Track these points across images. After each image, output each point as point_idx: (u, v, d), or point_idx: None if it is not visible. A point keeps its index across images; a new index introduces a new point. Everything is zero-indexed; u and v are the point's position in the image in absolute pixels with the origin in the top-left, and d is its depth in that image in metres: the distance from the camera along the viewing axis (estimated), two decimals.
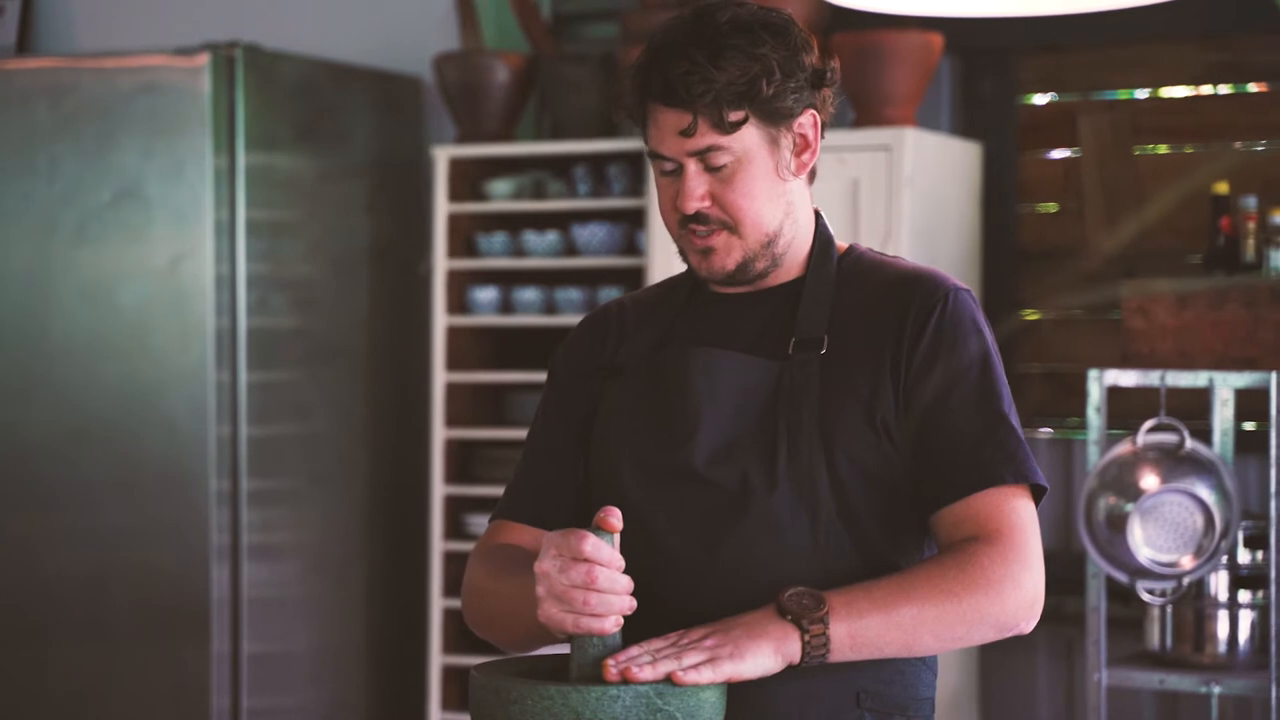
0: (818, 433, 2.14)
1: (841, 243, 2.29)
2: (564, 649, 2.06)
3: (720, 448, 2.17)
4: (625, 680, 1.95)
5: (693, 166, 2.16)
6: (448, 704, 5.13)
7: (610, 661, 1.97)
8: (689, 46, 2.13)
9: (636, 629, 2.04)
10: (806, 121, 2.19)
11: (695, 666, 1.97)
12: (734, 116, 2.13)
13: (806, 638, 2.02)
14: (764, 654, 2.00)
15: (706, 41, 2.13)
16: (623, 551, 2.01)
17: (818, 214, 2.29)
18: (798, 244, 2.24)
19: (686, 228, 2.20)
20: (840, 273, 2.25)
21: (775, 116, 2.16)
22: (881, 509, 2.16)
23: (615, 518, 1.99)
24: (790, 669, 2.04)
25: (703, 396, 2.19)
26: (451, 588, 5.13)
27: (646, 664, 1.97)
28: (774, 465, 2.14)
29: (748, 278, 2.22)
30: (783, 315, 2.23)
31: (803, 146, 2.20)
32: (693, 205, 2.17)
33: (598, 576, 1.96)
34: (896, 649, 2.08)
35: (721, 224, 2.18)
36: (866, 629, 2.04)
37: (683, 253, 2.25)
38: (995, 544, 2.10)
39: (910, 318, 2.18)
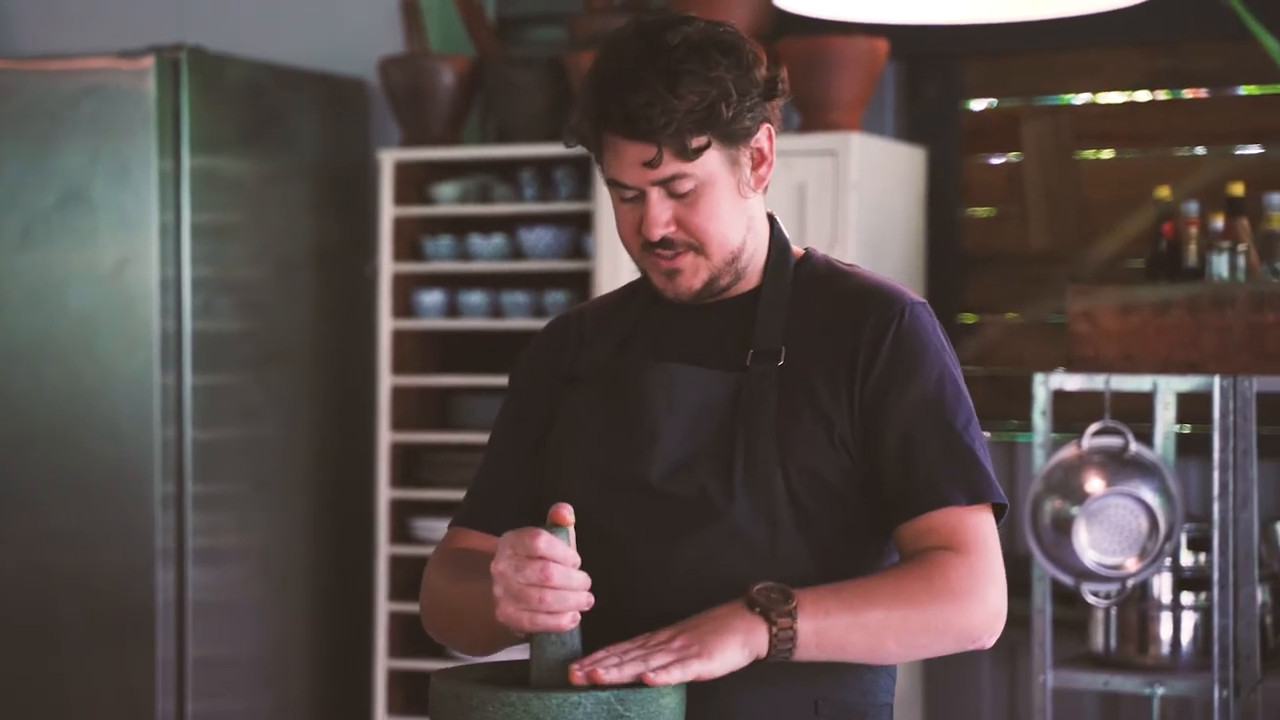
0: (775, 445, 2.15)
1: (798, 248, 2.29)
2: (525, 655, 2.07)
3: (677, 462, 2.17)
4: (591, 682, 1.95)
5: (655, 194, 2.15)
6: (394, 708, 5.12)
7: (576, 665, 1.97)
8: (644, 74, 2.10)
9: (595, 638, 2.05)
10: (762, 136, 2.19)
11: (664, 667, 1.97)
12: (696, 143, 2.12)
13: (774, 630, 2.01)
14: (732, 649, 2.00)
15: (661, 68, 2.10)
16: (582, 558, 2.01)
17: (772, 219, 2.29)
18: (757, 254, 2.25)
19: (650, 251, 2.19)
20: (798, 281, 2.25)
21: (735, 137, 2.15)
22: (839, 520, 2.17)
23: (567, 512, 1.99)
24: (751, 673, 2.04)
25: (660, 411, 2.19)
26: (398, 591, 5.13)
27: (613, 666, 1.97)
28: (731, 477, 2.15)
29: (713, 294, 2.22)
30: (740, 325, 2.23)
31: (759, 160, 2.20)
32: (659, 232, 2.16)
33: (553, 573, 1.96)
34: (860, 652, 2.08)
35: (687, 246, 2.18)
36: (833, 628, 2.04)
37: (645, 273, 2.24)
38: (962, 557, 2.10)
39: (867, 332, 2.18)
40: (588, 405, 2.25)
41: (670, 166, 2.13)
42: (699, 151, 2.12)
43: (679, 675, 1.97)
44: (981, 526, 2.13)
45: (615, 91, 2.12)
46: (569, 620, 1.98)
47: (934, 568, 2.09)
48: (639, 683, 1.99)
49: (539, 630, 1.99)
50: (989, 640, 2.13)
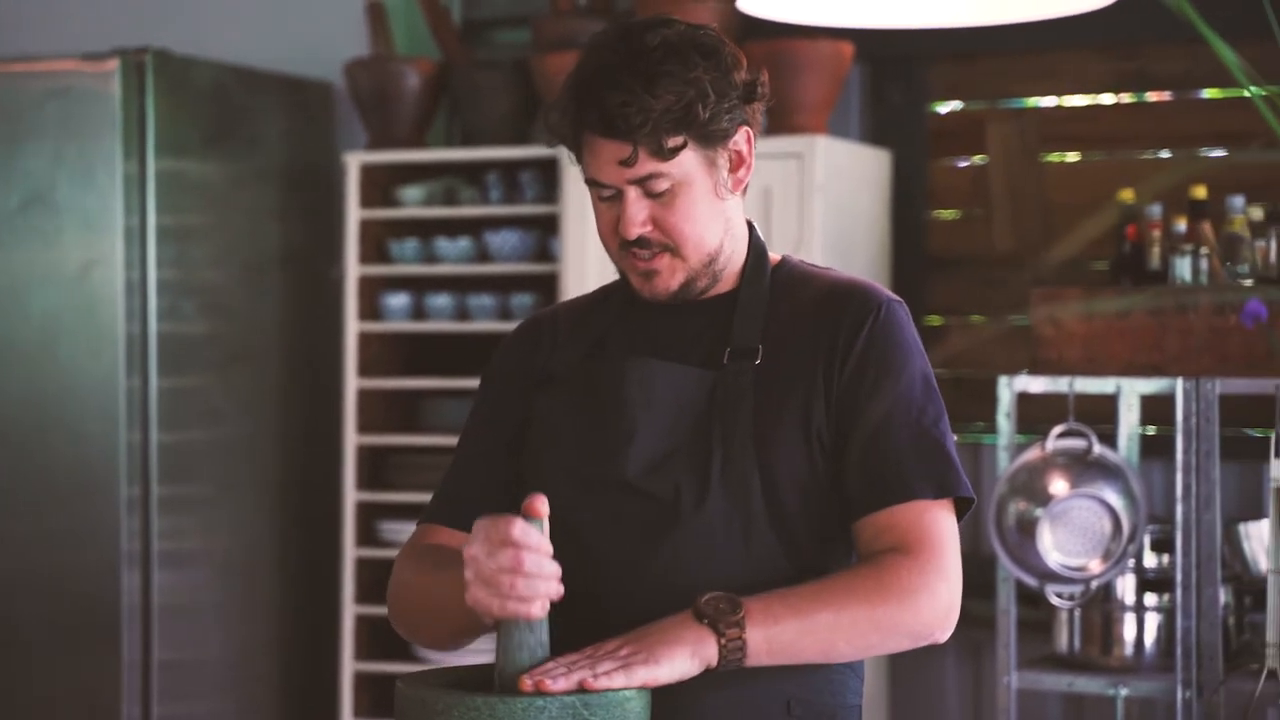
0: (751, 443, 2.17)
1: (775, 254, 2.31)
2: (491, 659, 2.07)
3: (654, 459, 2.19)
4: (540, 692, 1.97)
5: (633, 193, 2.17)
6: (360, 710, 5.12)
7: (526, 676, 1.98)
8: (622, 75, 2.12)
9: (570, 637, 2.06)
10: (741, 138, 2.21)
11: (608, 673, 1.99)
12: (673, 143, 2.14)
13: (723, 641, 2.04)
14: (680, 658, 2.02)
15: (640, 69, 2.12)
16: (556, 559, 2.02)
17: (751, 226, 2.31)
18: (735, 257, 2.27)
19: (628, 251, 2.20)
20: (774, 284, 2.27)
21: (712, 138, 2.17)
22: (813, 518, 2.19)
23: (541, 503, 2.00)
24: (720, 676, 2.06)
25: (637, 407, 2.20)
26: (364, 594, 5.12)
27: (561, 675, 1.98)
28: (707, 475, 2.16)
29: (690, 296, 2.24)
30: (717, 326, 2.25)
31: (738, 163, 2.22)
32: (635, 231, 2.18)
33: (525, 560, 1.97)
34: (812, 655, 2.10)
35: (664, 247, 2.19)
36: (782, 634, 2.07)
37: (623, 274, 2.26)
38: (913, 555, 2.13)
39: (843, 329, 2.20)
40: (563, 405, 2.26)
41: (646, 166, 2.15)
42: (675, 151, 2.14)
43: (623, 680, 1.98)
44: (940, 523, 2.16)
45: (593, 91, 2.14)
46: (538, 608, 1.99)
47: (885, 568, 2.12)
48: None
49: (508, 617, 2.00)
50: (942, 636, 2.16)
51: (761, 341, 2.22)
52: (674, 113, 2.12)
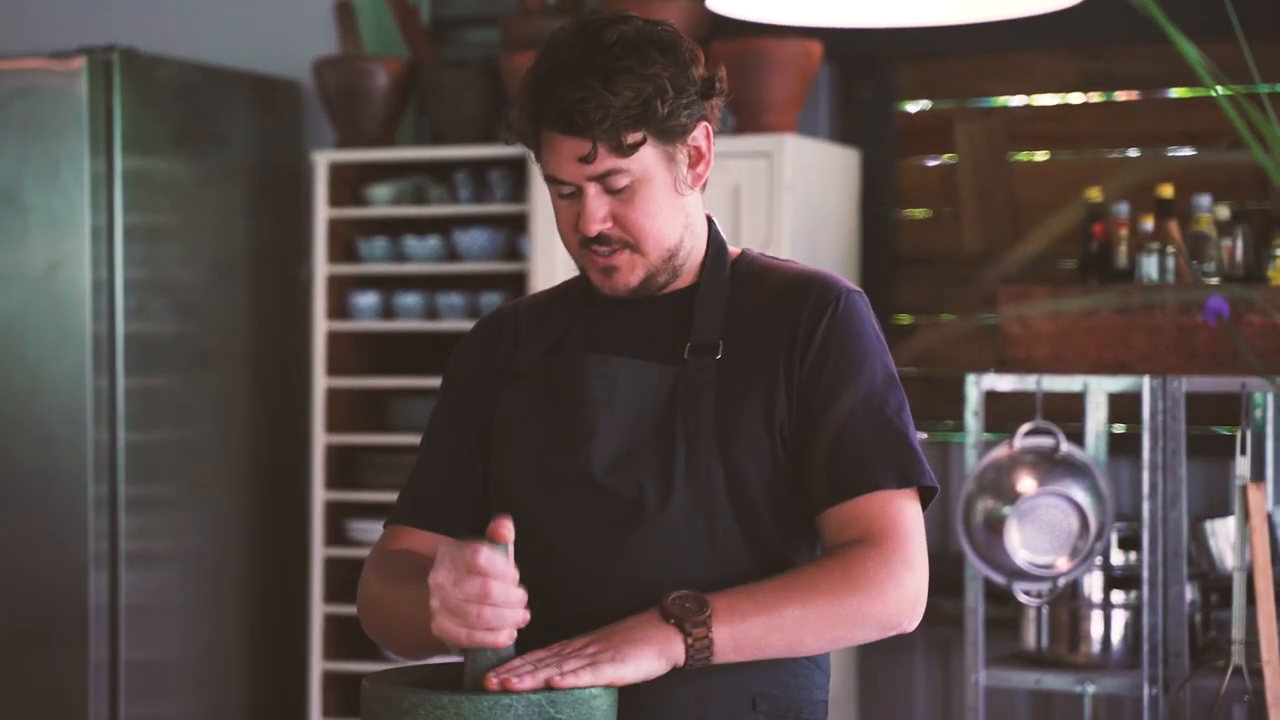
0: (714, 438, 2.17)
1: (734, 248, 2.32)
2: (458, 657, 2.07)
3: (618, 455, 2.19)
4: (505, 690, 1.96)
5: (592, 190, 2.17)
6: (329, 710, 5.11)
7: (492, 674, 1.98)
8: (580, 71, 2.12)
9: (536, 635, 2.05)
10: (699, 134, 2.21)
11: (574, 671, 1.99)
12: (632, 139, 2.14)
13: (689, 641, 2.04)
14: (646, 658, 2.02)
15: (598, 65, 2.12)
16: (521, 558, 2.02)
17: (710, 221, 2.31)
18: (695, 253, 2.27)
19: (588, 248, 2.20)
20: (734, 278, 2.27)
21: (671, 134, 2.17)
22: (778, 511, 2.19)
23: (507, 528, 1.99)
24: (686, 673, 2.06)
25: (600, 403, 2.20)
26: (333, 593, 5.11)
27: (527, 673, 1.98)
28: (671, 471, 2.16)
29: (650, 291, 2.24)
30: (678, 321, 2.25)
31: (697, 159, 2.22)
32: (595, 228, 2.18)
33: (492, 590, 1.96)
34: (779, 650, 2.11)
35: (624, 243, 2.19)
36: (749, 631, 2.07)
37: (583, 270, 2.26)
38: (878, 545, 2.13)
39: (803, 320, 2.21)
40: (525, 402, 2.26)
41: (606, 162, 2.14)
42: (634, 147, 2.14)
43: (589, 678, 1.98)
44: (905, 513, 2.16)
45: (552, 88, 2.14)
46: (505, 637, 1.99)
47: (850, 559, 2.12)
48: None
49: (475, 647, 2.00)
50: (909, 625, 2.16)
51: (722, 335, 2.22)
52: (633, 109, 2.12)
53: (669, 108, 2.14)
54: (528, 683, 1.97)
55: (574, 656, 2.01)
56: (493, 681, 1.97)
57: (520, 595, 1.99)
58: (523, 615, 1.99)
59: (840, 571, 2.11)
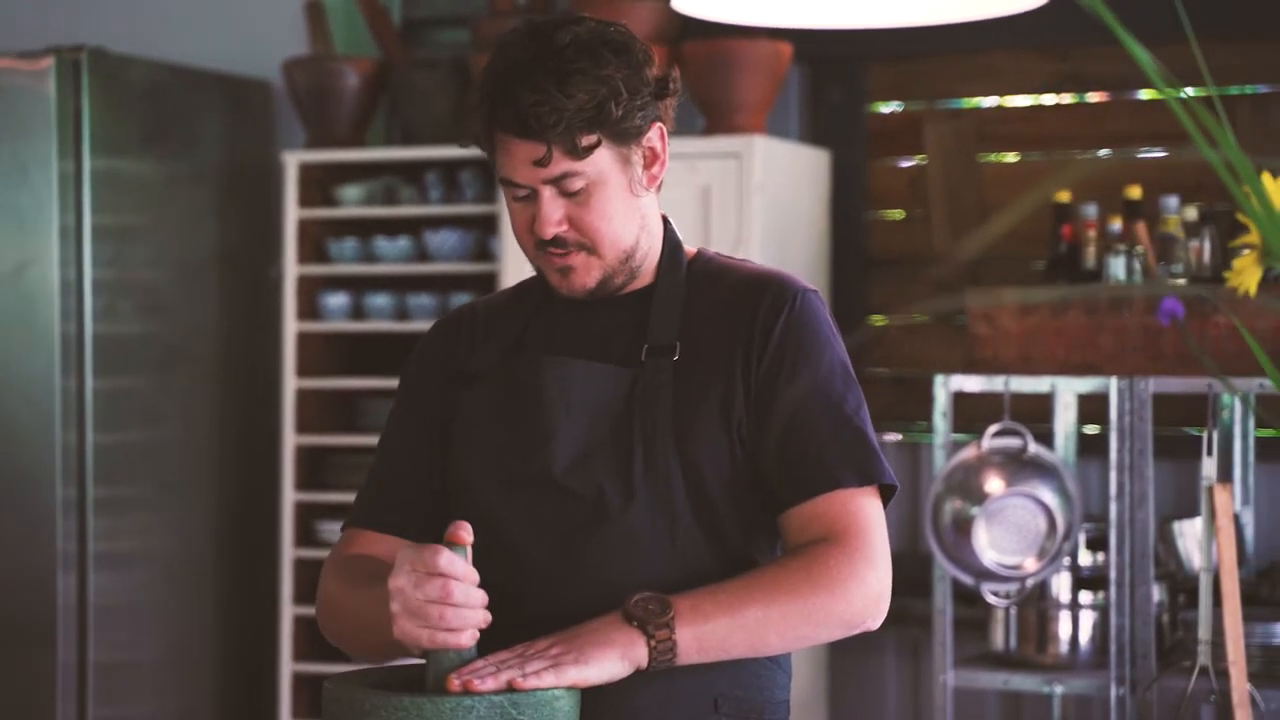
0: (672, 439, 2.17)
1: (690, 248, 2.32)
2: (418, 659, 2.07)
3: (576, 455, 2.19)
4: (467, 692, 1.96)
5: (548, 192, 2.17)
6: (298, 712, 5.10)
7: (454, 675, 1.98)
8: (534, 73, 2.12)
9: (497, 637, 2.05)
10: (654, 135, 2.21)
11: (537, 672, 1.99)
12: (586, 141, 2.14)
13: (653, 643, 2.04)
14: (610, 660, 2.02)
15: (551, 67, 2.12)
16: (481, 561, 2.02)
17: (666, 220, 2.31)
18: (651, 254, 2.27)
19: (544, 250, 2.20)
20: (690, 278, 2.28)
21: (625, 136, 2.17)
22: (738, 511, 2.19)
23: (466, 531, 2.00)
24: (649, 674, 2.06)
25: (557, 404, 2.20)
26: (302, 595, 5.11)
27: (489, 675, 1.98)
28: (630, 473, 2.17)
29: (607, 292, 2.24)
30: (635, 322, 2.25)
31: (652, 159, 2.22)
32: (551, 231, 2.18)
33: (453, 591, 1.97)
34: (743, 650, 2.11)
35: (579, 245, 2.19)
36: (713, 632, 2.07)
37: (540, 271, 2.26)
38: (840, 544, 2.13)
39: (759, 320, 2.21)
40: (484, 403, 2.26)
41: (561, 165, 2.14)
42: (589, 150, 2.14)
43: (552, 680, 1.99)
44: (866, 511, 2.16)
45: (506, 91, 2.13)
46: (468, 639, 1.99)
47: (813, 558, 2.12)
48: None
49: (438, 649, 1.99)
50: (874, 623, 2.16)
51: (679, 336, 2.22)
52: (587, 111, 2.12)
53: (623, 109, 2.14)
54: (490, 684, 1.97)
55: (537, 658, 2.01)
56: (455, 683, 1.97)
57: (481, 596, 1.99)
58: (484, 616, 1.99)
59: (803, 570, 2.11)
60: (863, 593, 2.13)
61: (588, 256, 2.20)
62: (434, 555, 1.97)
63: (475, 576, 1.99)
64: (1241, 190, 1.33)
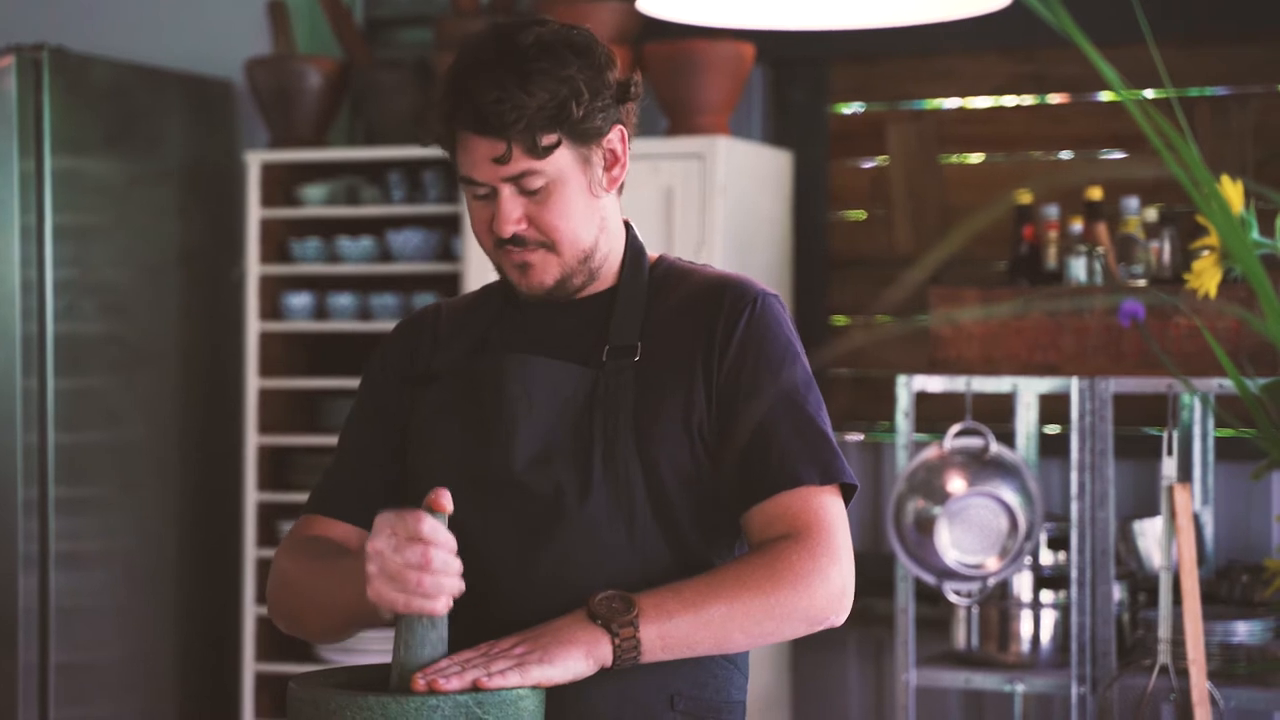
0: (633, 439, 2.18)
1: (652, 253, 2.34)
2: (383, 659, 2.07)
3: (537, 453, 2.20)
4: (433, 692, 1.97)
5: (507, 191, 2.18)
6: (260, 712, 5.10)
7: (419, 675, 1.99)
8: (496, 72, 2.14)
9: (459, 637, 2.06)
10: (615, 137, 2.23)
11: (502, 672, 1.99)
12: (546, 141, 2.16)
13: (617, 641, 2.06)
14: (574, 658, 2.04)
15: (513, 66, 2.14)
16: None
17: (628, 225, 2.33)
18: (612, 256, 2.29)
19: (503, 248, 2.22)
20: (652, 282, 2.30)
21: (586, 136, 2.19)
22: (697, 511, 2.20)
23: (446, 499, 2.01)
24: (605, 671, 2.07)
25: (518, 403, 2.22)
26: (265, 595, 5.09)
27: (454, 674, 1.99)
28: (589, 472, 2.18)
29: (566, 293, 2.26)
30: (597, 324, 2.26)
31: (612, 162, 2.24)
32: (510, 229, 2.19)
33: (433, 558, 1.98)
34: (708, 647, 2.12)
35: (539, 244, 2.21)
36: (676, 629, 2.08)
37: (500, 269, 2.27)
38: (803, 540, 2.14)
39: (720, 323, 2.23)
40: (445, 402, 2.27)
41: (520, 163, 2.16)
42: (549, 149, 2.16)
43: (517, 679, 2.00)
44: (829, 508, 2.18)
45: (467, 89, 2.16)
46: (443, 604, 2.00)
47: (775, 555, 2.13)
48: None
49: (412, 613, 2.00)
50: (838, 619, 2.17)
51: (640, 338, 2.23)
52: (548, 110, 2.14)
53: (584, 110, 2.16)
54: (455, 684, 1.98)
55: (501, 657, 2.02)
56: (419, 683, 1.98)
57: (458, 564, 2.01)
58: (459, 584, 2.01)
59: (766, 567, 2.12)
60: (826, 589, 2.14)
61: (546, 254, 2.22)
62: (416, 520, 1.98)
63: (454, 544, 2.01)
64: (1200, 194, 1.35)
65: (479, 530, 2.19)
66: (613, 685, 2.14)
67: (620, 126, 2.23)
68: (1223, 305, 3.79)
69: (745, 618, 2.11)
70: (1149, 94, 4.52)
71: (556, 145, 2.16)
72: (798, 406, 2.20)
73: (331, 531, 2.29)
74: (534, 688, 2.02)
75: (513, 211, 2.19)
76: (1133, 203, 4.31)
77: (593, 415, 2.20)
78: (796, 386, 2.22)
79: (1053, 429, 4.63)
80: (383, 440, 2.31)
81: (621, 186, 2.28)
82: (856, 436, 4.96)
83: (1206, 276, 1.54)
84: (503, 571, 2.18)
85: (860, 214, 5.10)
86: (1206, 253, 1.60)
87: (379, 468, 2.31)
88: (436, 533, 1.99)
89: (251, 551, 5.11)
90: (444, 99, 2.18)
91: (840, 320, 5.06)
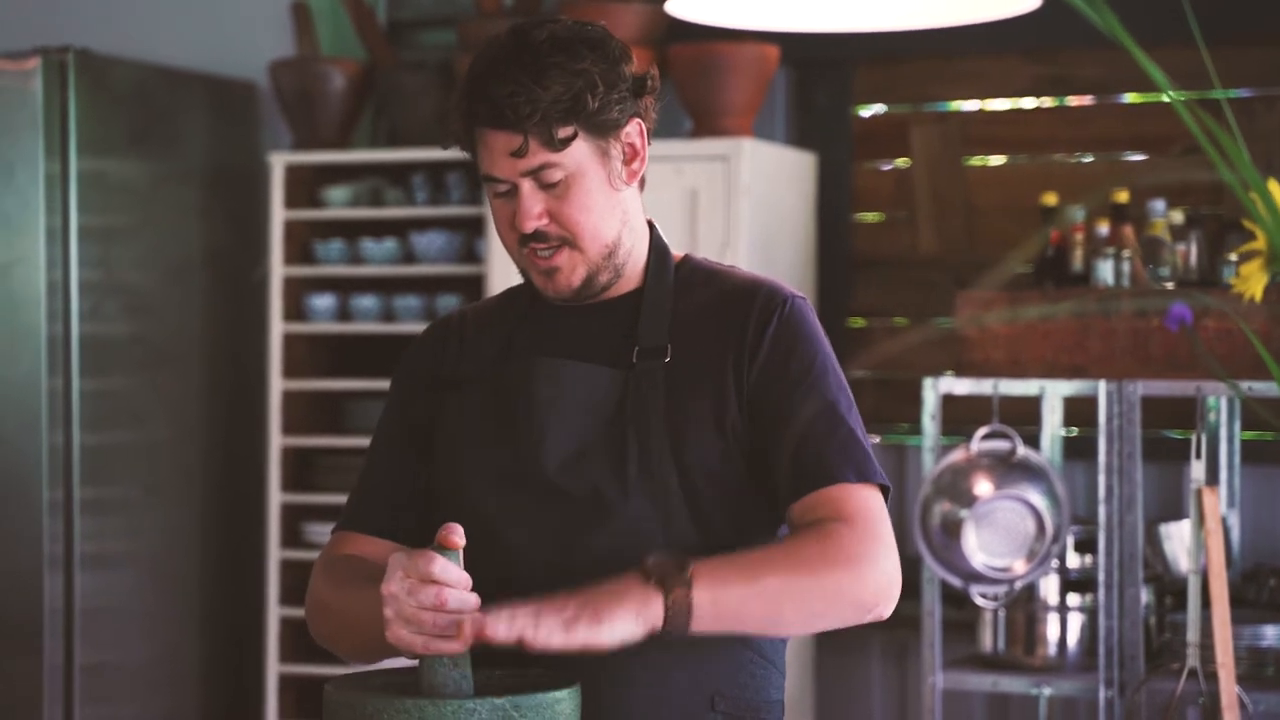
0: (667, 440, 2.18)
1: (677, 252, 2.33)
2: (410, 660, 2.07)
3: (570, 456, 2.20)
4: (480, 637, 1.95)
5: (527, 186, 2.19)
6: (284, 713, 5.10)
7: (468, 621, 1.96)
8: (511, 68, 2.15)
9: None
10: (633, 130, 2.23)
11: (549, 629, 1.97)
12: (563, 133, 2.16)
13: (669, 601, 2.01)
14: (624, 619, 2.00)
15: (528, 62, 2.15)
16: (476, 560, 2.03)
17: (652, 225, 2.33)
18: (636, 254, 2.28)
19: (527, 247, 2.22)
20: (678, 282, 2.29)
21: (603, 128, 2.19)
22: (731, 510, 2.20)
23: (458, 535, 2.00)
24: (644, 672, 2.06)
25: (547, 406, 2.21)
26: (289, 596, 5.10)
27: (503, 624, 1.96)
28: (625, 474, 2.17)
29: (593, 292, 2.26)
30: (624, 325, 2.26)
31: (631, 155, 2.24)
32: (531, 224, 2.19)
33: (448, 599, 1.97)
34: (758, 621, 2.09)
35: (561, 240, 2.21)
36: (730, 597, 2.05)
37: (524, 273, 2.27)
38: (853, 524, 2.13)
39: (751, 325, 2.23)
40: (474, 407, 2.27)
41: (538, 156, 2.17)
42: (566, 142, 2.17)
43: (561, 640, 1.97)
44: (871, 500, 2.17)
45: (484, 86, 2.17)
46: (462, 644, 1.99)
47: (828, 536, 2.11)
48: (534, 688, 2.01)
49: (432, 654, 2.00)
50: (885, 610, 2.14)
51: (669, 339, 2.23)
52: (563, 102, 2.15)
53: (599, 102, 2.17)
54: (502, 632, 1.96)
55: (552, 614, 1.99)
56: (467, 628, 1.95)
57: (474, 600, 1.99)
58: (479, 621, 1.99)
59: (818, 546, 2.10)
60: (876, 575, 2.12)
61: (571, 252, 2.22)
62: (427, 562, 1.97)
63: (468, 581, 1.99)
64: (1249, 197, 1.34)
65: (514, 531, 2.19)
66: (651, 689, 2.14)
67: (638, 120, 2.23)
68: (1271, 309, 3.79)
69: (798, 595, 2.08)
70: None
71: (573, 138, 2.17)
72: (830, 407, 2.20)
73: (364, 548, 2.28)
74: (569, 687, 2.01)
75: (533, 206, 2.19)
76: (1159, 205, 4.30)
77: (625, 416, 2.20)
78: (829, 388, 2.22)
79: (1076, 431, 4.62)
80: (412, 447, 2.31)
81: (643, 183, 2.28)
82: (875, 438, 4.95)
83: (1253, 280, 1.53)
84: (540, 571, 2.17)
85: (883, 216, 5.10)
86: (1247, 258, 1.59)
87: (408, 476, 2.31)
88: (448, 572, 1.97)
89: (275, 553, 5.11)
90: (462, 98, 2.19)
91: (861, 322, 5.05)
